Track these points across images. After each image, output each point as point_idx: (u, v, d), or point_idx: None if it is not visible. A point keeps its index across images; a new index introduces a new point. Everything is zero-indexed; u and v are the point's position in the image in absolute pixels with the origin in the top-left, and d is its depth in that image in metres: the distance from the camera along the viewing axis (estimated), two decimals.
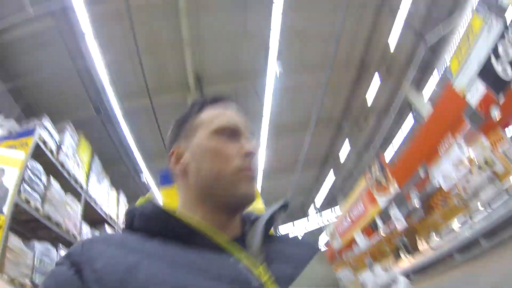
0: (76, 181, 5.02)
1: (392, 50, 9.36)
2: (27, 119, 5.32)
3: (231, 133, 0.87)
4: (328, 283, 0.91)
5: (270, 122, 9.73)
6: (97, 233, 6.02)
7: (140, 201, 0.81)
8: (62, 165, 4.35)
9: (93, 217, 5.88)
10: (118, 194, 8.48)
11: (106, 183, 7.82)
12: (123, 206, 8.76)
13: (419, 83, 10.11)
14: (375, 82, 10.30)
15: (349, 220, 8.38)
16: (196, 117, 0.92)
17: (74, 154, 5.25)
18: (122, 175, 10.24)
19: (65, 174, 4.48)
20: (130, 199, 10.80)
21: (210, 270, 0.68)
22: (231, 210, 0.83)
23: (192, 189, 0.85)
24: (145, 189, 11.34)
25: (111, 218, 7.07)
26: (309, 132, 9.82)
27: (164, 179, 7.33)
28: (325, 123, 11.77)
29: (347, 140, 12.70)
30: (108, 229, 6.67)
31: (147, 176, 10.57)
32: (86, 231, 5.41)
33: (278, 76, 8.42)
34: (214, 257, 0.71)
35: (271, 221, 0.87)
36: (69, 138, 5.04)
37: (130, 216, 0.80)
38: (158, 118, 8.82)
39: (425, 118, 7.00)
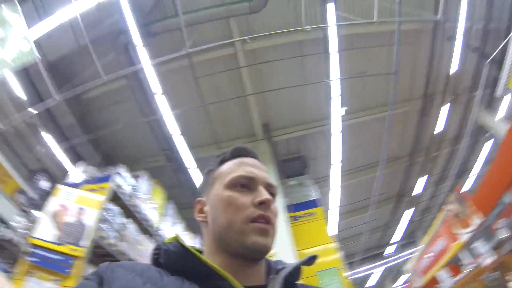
0: (149, 223, 5.60)
1: (454, 73, 9.08)
2: (105, 166, 6.13)
3: (246, 184, 0.89)
4: None
5: (341, 163, 9.75)
6: None
7: (168, 239, 0.85)
8: (137, 208, 4.91)
9: None
10: (194, 238, 9.01)
11: (179, 227, 8.40)
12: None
13: (490, 103, 9.57)
14: (443, 110, 9.92)
15: (430, 257, 8.01)
16: (216, 170, 0.97)
17: (149, 199, 5.88)
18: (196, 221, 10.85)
19: (140, 216, 5.04)
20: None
21: None
22: (245, 259, 0.83)
23: (211, 238, 0.89)
24: None
25: None
26: (380, 169, 9.65)
27: None
28: (396, 158, 11.48)
29: (421, 173, 12.17)
30: None
31: None
32: None
33: (343, 117, 8.55)
34: None
35: (297, 273, 0.90)
36: (144, 184, 5.69)
37: (157, 252, 0.85)
38: None
39: (503, 137, 6.65)
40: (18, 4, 5.62)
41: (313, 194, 8.28)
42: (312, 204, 7.85)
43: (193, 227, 8.42)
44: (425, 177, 12.07)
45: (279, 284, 0.80)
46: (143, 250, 5.14)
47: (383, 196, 12.80)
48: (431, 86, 9.37)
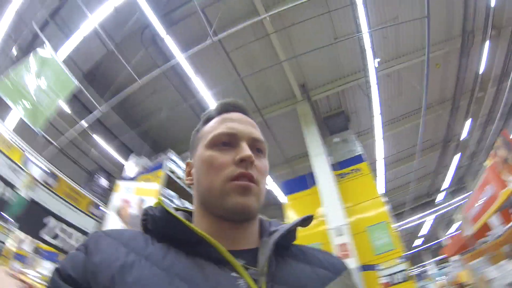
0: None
1: (496, 4, 8.50)
2: (156, 154, 6.67)
3: (227, 142, 0.85)
4: None
5: (382, 114, 9.73)
6: None
7: (155, 204, 0.82)
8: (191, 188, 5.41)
9: None
10: None
11: None
12: None
13: None
14: (485, 47, 9.35)
15: (480, 204, 7.94)
16: (201, 130, 0.93)
17: None
18: None
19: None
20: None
21: (205, 282, 0.68)
22: (230, 221, 0.81)
23: (197, 201, 0.86)
24: (271, 199, 12.29)
25: None
26: (423, 116, 9.45)
27: (287, 189, 8.23)
28: (439, 103, 11.21)
29: (466, 117, 11.74)
30: None
31: (273, 187, 11.39)
32: None
33: (378, 68, 8.49)
34: (213, 270, 0.71)
35: (292, 235, 0.88)
36: None
37: (145, 218, 0.81)
38: (272, 131, 9.97)
39: None
40: (47, 43, 6.16)
41: (358, 149, 8.34)
42: (357, 159, 7.89)
43: None
44: (470, 120, 11.69)
45: (270, 247, 0.77)
46: None
47: (429, 143, 12.71)
48: (470, 23, 8.91)
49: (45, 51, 6.02)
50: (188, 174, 0.93)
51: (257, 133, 0.91)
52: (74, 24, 6.91)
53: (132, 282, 0.65)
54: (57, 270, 0.70)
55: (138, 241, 0.76)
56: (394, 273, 5.84)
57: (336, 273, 0.83)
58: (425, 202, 17.72)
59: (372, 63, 8.26)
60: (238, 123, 0.89)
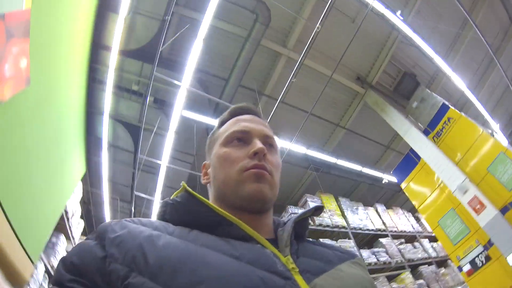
0: (338, 226, 7.10)
1: None
2: (279, 214, 7.73)
3: (241, 138, 0.97)
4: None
5: (438, 51, 9.73)
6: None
7: (175, 193, 0.90)
8: (323, 226, 6.38)
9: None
10: (375, 207, 10.19)
11: (360, 208, 9.65)
12: (386, 213, 10.45)
13: None
14: None
15: None
16: (216, 132, 1.06)
17: (324, 211, 7.47)
18: (366, 193, 12.06)
19: (329, 229, 6.52)
20: (389, 204, 12.41)
21: (232, 250, 0.75)
22: (247, 211, 0.88)
23: (214, 196, 0.96)
24: (394, 187, 12.63)
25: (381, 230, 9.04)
26: (474, 17, 9.17)
27: (399, 175, 8.61)
28: None
29: None
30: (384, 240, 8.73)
31: (387, 178, 11.81)
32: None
33: (403, 18, 8.79)
34: (239, 243, 0.79)
35: (306, 224, 0.99)
36: (314, 204, 7.30)
37: (163, 209, 0.90)
38: (359, 132, 11.00)
39: None
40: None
41: (437, 100, 8.38)
42: (442, 111, 7.88)
43: (368, 201, 9.53)
44: None
45: (288, 230, 0.87)
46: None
47: (500, 34, 12.03)
48: None
49: None
50: (205, 174, 1.04)
51: (268, 131, 1.03)
52: (155, 160, 8.40)
53: (162, 246, 0.70)
54: (62, 260, 0.74)
55: (158, 223, 0.83)
56: None
57: (351, 257, 0.95)
58: None
59: (396, 19, 8.58)
60: (250, 122, 1.01)
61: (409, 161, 8.25)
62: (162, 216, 0.89)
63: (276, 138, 1.09)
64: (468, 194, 6.09)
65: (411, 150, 8.11)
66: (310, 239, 1.01)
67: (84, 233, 6.88)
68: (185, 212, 0.85)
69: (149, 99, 7.15)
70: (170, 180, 9.36)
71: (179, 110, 7.35)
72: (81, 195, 6.44)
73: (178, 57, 7.80)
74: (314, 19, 7.80)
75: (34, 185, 4.09)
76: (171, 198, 0.91)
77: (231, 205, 0.90)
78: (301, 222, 0.95)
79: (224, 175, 0.92)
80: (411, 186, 8.02)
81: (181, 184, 0.91)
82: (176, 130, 7.73)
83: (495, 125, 12.79)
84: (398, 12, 8.60)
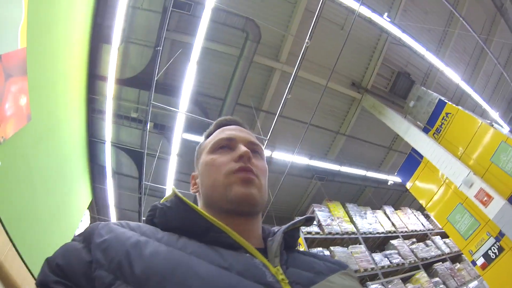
0: (348, 233, 7.13)
1: None
2: None
3: (226, 145, 0.98)
4: None
5: (429, 48, 9.92)
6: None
7: (165, 198, 0.90)
8: (332, 234, 6.42)
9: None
10: (383, 209, 10.17)
11: (368, 212, 9.64)
12: (395, 214, 10.44)
13: None
14: None
15: None
16: (203, 144, 1.08)
17: (332, 219, 7.52)
18: (372, 196, 12.05)
19: (339, 236, 6.58)
20: (397, 205, 12.41)
21: (221, 260, 0.73)
22: (235, 215, 0.88)
23: (202, 203, 0.96)
24: (399, 188, 12.67)
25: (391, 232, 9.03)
26: (460, 11, 9.31)
27: (404, 176, 8.61)
28: None
29: None
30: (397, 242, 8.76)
31: (392, 179, 11.84)
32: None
33: (390, 19, 8.93)
34: (228, 252, 0.77)
35: (296, 234, 0.98)
36: (322, 213, 7.31)
37: (152, 213, 0.89)
38: (360, 137, 11.11)
39: None
40: None
41: (433, 96, 8.41)
42: (439, 107, 7.94)
43: (375, 205, 9.52)
44: None
45: (278, 240, 0.87)
46: (361, 256, 6.84)
47: (488, 23, 12.14)
48: None
49: None
50: (193, 184, 1.04)
51: (253, 138, 1.04)
52: (159, 185, 8.42)
53: (149, 255, 0.68)
54: (47, 260, 0.72)
55: (147, 228, 0.81)
56: None
57: (342, 267, 0.93)
58: None
59: (384, 21, 8.69)
60: (235, 131, 1.03)
61: (412, 161, 8.27)
62: (151, 220, 0.88)
63: (263, 147, 1.12)
64: (474, 188, 6.07)
65: (413, 149, 8.13)
66: (301, 250, 0.99)
67: None
68: (174, 217, 0.84)
69: (149, 125, 7.22)
70: None
71: (179, 133, 7.44)
72: (89, 223, 6.48)
73: (173, 81, 7.91)
74: (303, 31, 7.93)
75: (42, 217, 4.15)
76: (161, 202, 0.89)
77: (220, 209, 0.89)
78: (291, 232, 0.94)
79: (212, 180, 0.92)
80: (417, 185, 8.02)
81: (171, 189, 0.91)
82: (178, 153, 7.80)
83: (494, 114, 12.84)
84: (385, 15, 8.73)
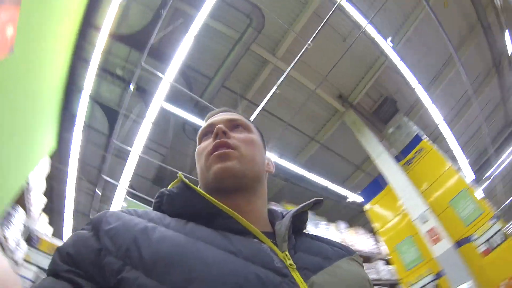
0: None
1: None
2: None
3: (207, 132, 1.01)
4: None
5: (421, 80, 9.94)
6: None
7: (172, 184, 0.90)
8: None
9: None
10: (337, 224, 10.33)
11: (323, 223, 9.76)
12: (347, 231, 10.62)
13: None
14: None
15: None
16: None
17: None
18: (330, 209, 12.23)
19: None
20: (351, 223, 12.70)
21: (229, 245, 0.73)
22: (226, 192, 0.88)
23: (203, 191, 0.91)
24: (357, 207, 12.92)
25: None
26: (456, 56, 9.51)
27: (365, 197, 8.82)
28: (468, 36, 11.27)
29: (502, 30, 11.44)
30: None
31: (352, 197, 12.07)
32: None
33: (394, 44, 9.00)
34: (235, 237, 0.77)
35: (305, 217, 0.98)
36: None
37: (159, 199, 0.89)
38: (333, 149, 11.21)
39: None
40: None
41: (413, 129, 8.64)
42: (416, 141, 8.15)
43: (332, 217, 9.64)
44: (507, 31, 11.43)
45: (286, 225, 0.86)
46: None
47: (481, 76, 12.51)
48: None
49: (129, 202, 7.76)
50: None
51: (232, 115, 1.06)
52: (127, 146, 8.30)
53: (157, 240, 0.68)
54: (58, 250, 0.72)
55: (154, 214, 0.81)
56: (490, 237, 5.76)
57: (349, 253, 0.94)
58: (508, 134, 16.95)
59: (386, 45, 8.76)
60: (216, 117, 1.06)
61: (376, 185, 8.45)
62: (158, 207, 0.88)
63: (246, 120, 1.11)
64: (427, 224, 6.28)
65: (380, 176, 8.31)
66: (309, 233, 1.01)
67: (45, 209, 6.74)
68: (181, 203, 0.84)
69: (132, 86, 7.08)
70: (140, 168, 9.30)
71: (159, 101, 7.32)
72: (48, 171, 6.31)
73: (166, 48, 7.76)
74: (306, 32, 7.90)
75: (1, 154, 4.01)
76: (168, 188, 0.90)
77: (211, 190, 0.90)
78: (299, 216, 0.94)
79: (200, 167, 0.96)
80: (375, 208, 8.22)
81: (177, 175, 0.90)
82: (154, 120, 7.68)
83: (464, 161, 13.22)
84: (389, 39, 8.80)
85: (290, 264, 0.74)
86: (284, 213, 0.97)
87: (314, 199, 0.99)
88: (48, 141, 6.93)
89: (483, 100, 12.48)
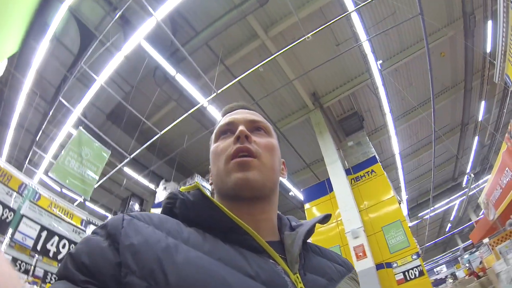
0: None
1: None
2: (184, 178, 7.44)
3: (226, 130, 0.94)
4: None
5: (393, 110, 10.19)
6: None
7: (187, 188, 0.84)
8: None
9: None
10: None
11: None
12: None
13: None
14: (488, 25, 9.67)
15: (501, 187, 7.93)
16: (212, 136, 1.02)
17: None
18: None
19: None
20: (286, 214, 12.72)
21: (247, 267, 0.70)
22: (241, 200, 0.84)
23: (216, 193, 0.92)
24: (297, 203, 13.07)
25: None
26: (433, 105, 9.82)
27: (308, 196, 8.83)
28: (452, 87, 11.58)
29: (480, 99, 11.94)
30: None
31: (294, 192, 12.16)
32: None
33: (383, 66, 9.01)
34: (251, 255, 0.73)
35: (312, 231, 0.92)
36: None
37: (172, 201, 0.83)
38: (290, 140, 10.98)
39: None
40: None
41: (371, 150, 8.81)
42: (371, 161, 8.32)
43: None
44: (484, 102, 11.93)
45: (299, 245, 0.82)
46: None
47: (448, 127, 12.95)
48: (469, 4, 9.16)
49: (80, 132, 7.40)
50: (211, 175, 0.98)
51: (254, 116, 1.00)
52: (93, 73, 7.81)
53: (182, 263, 0.65)
54: (70, 256, 0.66)
55: (170, 225, 0.75)
56: (409, 270, 6.17)
57: (348, 270, 0.92)
58: (451, 186, 17.91)
59: (375, 66, 8.75)
60: (236, 114, 0.99)
61: (321, 188, 8.54)
62: (170, 209, 0.83)
63: (269, 124, 1.04)
64: (357, 240, 6.46)
65: (328, 179, 8.36)
66: (311, 245, 0.96)
67: None
68: (197, 213, 0.79)
69: (118, 13, 6.63)
70: (99, 99, 8.85)
71: (139, 37, 6.92)
72: (1, 74, 5.75)
73: None
74: (306, 22, 7.74)
75: None
76: (181, 192, 0.84)
77: (227, 197, 0.85)
78: (308, 231, 0.90)
79: (216, 168, 0.89)
80: (314, 210, 8.30)
81: (194, 183, 0.85)
82: (128, 55, 7.27)
83: (404, 195, 13.70)
84: (380, 62, 8.81)
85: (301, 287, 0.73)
86: (292, 223, 0.94)
87: (324, 214, 0.97)
88: (12, 43, 6.39)
89: (440, 149, 12.85)
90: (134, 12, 7.64)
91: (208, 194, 0.80)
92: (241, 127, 0.89)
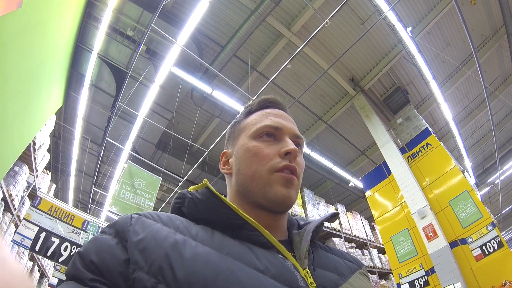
0: (295, 215, 6.98)
1: None
2: None
3: (271, 134, 0.90)
4: None
5: (436, 76, 9.64)
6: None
7: (195, 187, 0.83)
8: None
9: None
10: (336, 206, 10.17)
11: (322, 203, 9.57)
12: (343, 214, 10.43)
13: None
14: None
15: None
16: (243, 121, 0.98)
17: None
18: (330, 190, 12.04)
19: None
20: (350, 207, 12.49)
21: (257, 261, 0.69)
22: (268, 211, 0.84)
23: (235, 189, 0.89)
24: (358, 192, 12.75)
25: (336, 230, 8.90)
26: (478, 58, 9.13)
27: (367, 183, 8.61)
28: (491, 39, 10.81)
29: None
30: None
31: (354, 182, 11.90)
32: None
33: (412, 35, 8.59)
34: (260, 251, 0.73)
35: (320, 229, 0.93)
36: None
37: (180, 201, 0.83)
38: (339, 131, 10.86)
39: None
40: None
41: (422, 123, 8.41)
42: (424, 135, 7.92)
43: (332, 199, 9.39)
44: None
45: (307, 240, 0.82)
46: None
47: (499, 80, 12.08)
48: None
49: (129, 165, 7.66)
50: (225, 163, 0.96)
51: (296, 129, 0.97)
52: (134, 109, 8.04)
53: (190, 258, 0.65)
54: (79, 254, 0.66)
55: (179, 222, 0.75)
56: (486, 243, 5.72)
57: (359, 266, 0.91)
58: None
59: (406, 34, 8.38)
60: (281, 118, 0.95)
61: (379, 173, 8.26)
62: (179, 209, 0.83)
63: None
64: (425, 220, 6.16)
65: (384, 162, 8.08)
66: (321, 244, 0.96)
67: (48, 167, 6.58)
68: (206, 211, 0.79)
69: (142, 47, 6.81)
70: (145, 132, 9.14)
71: (169, 65, 7.07)
72: (53, 128, 6.14)
73: (180, 12, 7.51)
74: (324, 10, 7.57)
75: (8, 111, 3.80)
76: (190, 191, 0.83)
77: (253, 202, 0.84)
78: (316, 229, 0.89)
79: (253, 171, 0.85)
80: (375, 196, 8.04)
81: (203, 181, 0.83)
82: (162, 84, 7.46)
83: (468, 163, 12.93)
84: (409, 29, 8.42)
85: (311, 283, 0.72)
86: (300, 222, 0.94)
87: (331, 212, 0.96)
88: (55, 99, 6.75)
89: (496, 105, 12.08)
90: (158, 43, 7.83)
91: (218, 192, 0.79)
92: (292, 145, 0.87)
